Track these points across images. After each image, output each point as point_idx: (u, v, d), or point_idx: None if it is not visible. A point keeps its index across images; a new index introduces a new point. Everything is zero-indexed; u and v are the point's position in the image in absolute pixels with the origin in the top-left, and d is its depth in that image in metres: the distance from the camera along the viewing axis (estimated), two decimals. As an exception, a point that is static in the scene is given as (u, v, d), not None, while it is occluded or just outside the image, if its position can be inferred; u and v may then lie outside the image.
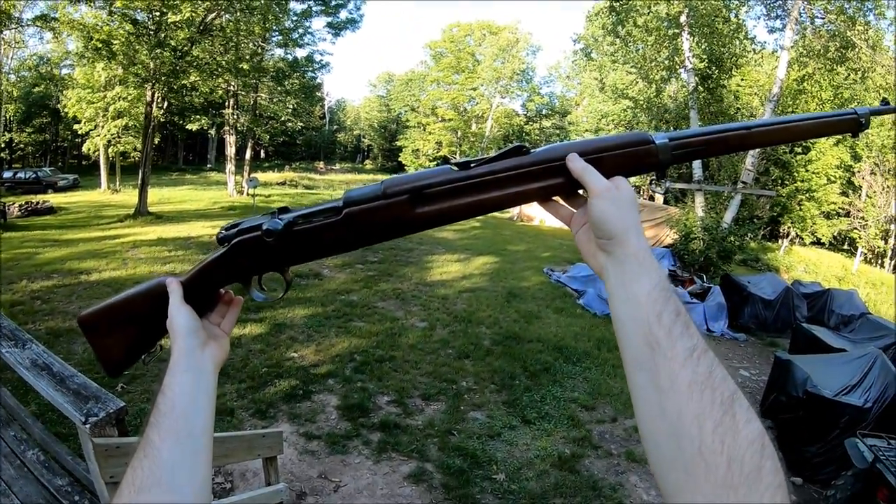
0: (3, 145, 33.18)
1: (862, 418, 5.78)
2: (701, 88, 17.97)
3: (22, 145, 41.95)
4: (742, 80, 24.91)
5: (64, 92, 31.89)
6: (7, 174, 32.48)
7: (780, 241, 29.94)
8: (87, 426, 2.06)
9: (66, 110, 29.76)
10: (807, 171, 28.76)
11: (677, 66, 19.24)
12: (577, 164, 0.74)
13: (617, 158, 0.77)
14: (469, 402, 6.58)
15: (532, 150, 0.78)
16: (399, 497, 4.85)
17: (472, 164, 0.78)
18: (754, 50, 19.57)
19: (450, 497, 4.87)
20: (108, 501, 2.23)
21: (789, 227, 30.70)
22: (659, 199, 26.63)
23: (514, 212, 28.24)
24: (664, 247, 15.69)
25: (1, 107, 30.56)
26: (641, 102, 24.16)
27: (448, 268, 13.87)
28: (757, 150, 15.57)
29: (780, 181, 28.07)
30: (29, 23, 21.01)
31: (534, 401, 6.67)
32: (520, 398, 6.72)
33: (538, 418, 6.29)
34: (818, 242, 31.72)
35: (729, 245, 15.29)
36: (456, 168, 0.79)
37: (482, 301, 11.03)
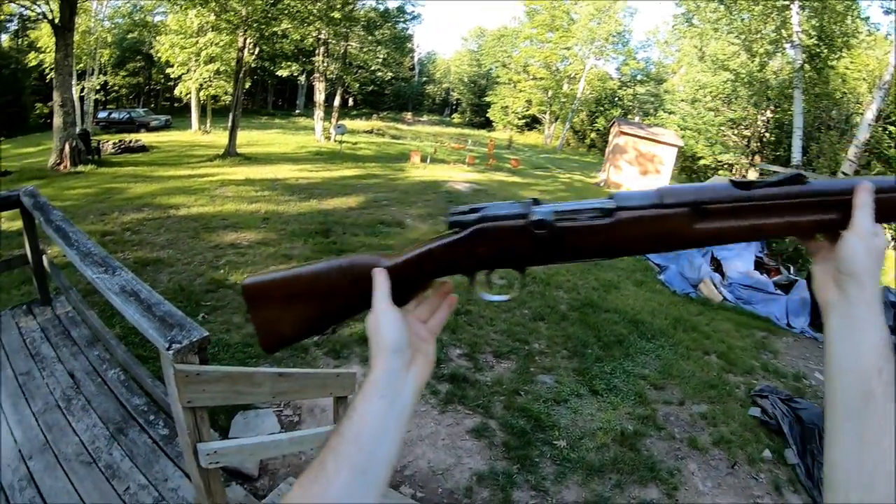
0: (98, 87, 34.62)
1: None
2: (808, 67, 16.88)
3: (116, 87, 43.58)
4: (851, 62, 23.42)
5: (157, 38, 32.83)
6: (102, 114, 34.08)
7: (877, 239, 28.37)
8: (171, 352, 2.12)
9: (158, 55, 30.82)
10: None
11: (784, 41, 18.23)
12: (864, 198, 0.70)
13: (892, 203, 0.72)
14: (539, 365, 6.54)
15: (810, 181, 0.73)
16: (459, 449, 4.89)
17: (754, 186, 0.73)
18: (868, 31, 18.32)
19: (509, 456, 4.88)
20: (182, 423, 2.32)
21: (885, 229, 29.04)
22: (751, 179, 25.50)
23: (601, 176, 27.70)
24: (754, 231, 15.00)
25: (97, 51, 31.75)
26: (743, 76, 23.12)
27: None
28: (861, 140, 14.66)
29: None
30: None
31: (604, 372, 6.58)
32: (590, 367, 6.63)
33: (606, 390, 6.21)
34: None
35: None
36: (735, 187, 0.73)
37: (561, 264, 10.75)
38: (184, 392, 2.20)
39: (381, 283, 0.74)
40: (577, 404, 5.85)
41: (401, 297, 0.75)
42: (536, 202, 0.74)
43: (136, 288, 2.60)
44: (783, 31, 17.82)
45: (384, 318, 0.71)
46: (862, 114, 15.53)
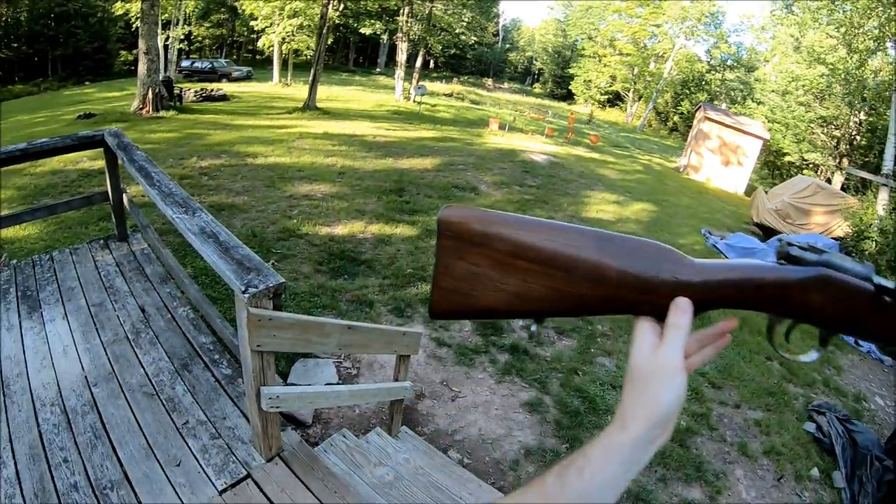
0: (182, 37, 35.39)
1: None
2: None
3: (200, 38, 44.32)
4: None
5: (242, -9, 33.24)
6: (185, 63, 34.95)
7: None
8: (246, 296, 2.16)
9: (242, 7, 31.21)
10: None
11: (887, 38, 17.15)
12: None
13: None
14: (600, 347, 6.44)
15: None
16: (511, 421, 4.89)
17: None
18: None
19: (559, 435, 4.86)
20: (249, 366, 2.37)
21: None
22: (836, 183, 24.41)
23: (681, 161, 26.96)
24: (833, 238, 14.32)
25: (182, 2, 32.39)
26: (839, 72, 21.90)
27: (604, 207, 13.38)
28: None
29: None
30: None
31: (663, 363, 6.46)
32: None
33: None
34: None
35: (902, 257, 13.61)
36: None
37: (635, 248, 10.55)
38: (254, 336, 2.24)
39: (683, 325, 0.61)
40: (635, 392, 5.76)
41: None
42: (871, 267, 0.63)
43: (215, 230, 2.66)
44: (887, 28, 16.79)
45: (673, 381, 0.60)
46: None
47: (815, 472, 5.38)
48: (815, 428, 6.04)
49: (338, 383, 4.67)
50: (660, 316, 0.63)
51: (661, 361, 0.60)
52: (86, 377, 3.13)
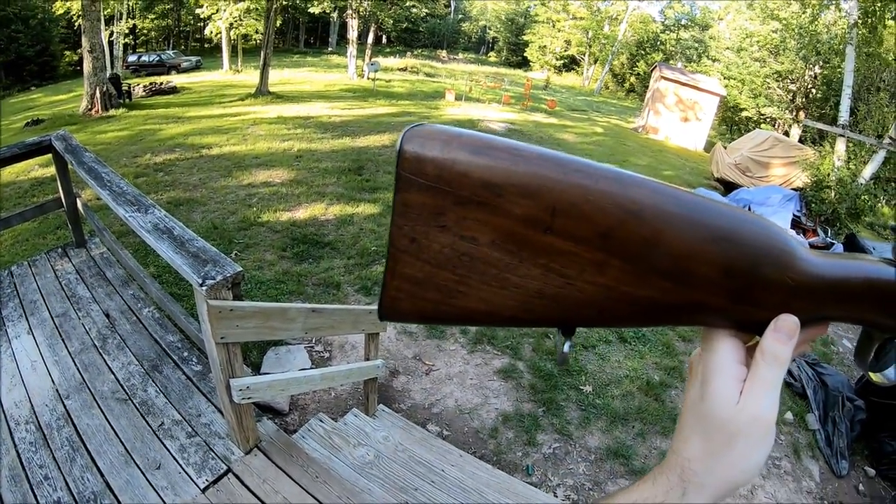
0: (127, 31, 34.56)
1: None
2: (861, 24, 16.07)
3: (145, 31, 43.29)
4: None
5: (186, -22, 32.55)
6: (132, 58, 34.20)
7: (917, 213, 27.43)
8: (204, 288, 2.15)
9: (188, -5, 30.50)
10: None
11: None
12: None
13: None
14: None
15: None
16: (486, 389, 4.96)
17: None
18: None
19: (535, 399, 4.94)
20: (215, 359, 2.36)
21: None
22: (794, 135, 24.79)
23: (639, 122, 27.16)
24: (793, 188, 14.61)
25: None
26: (793, 27, 22.24)
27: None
28: None
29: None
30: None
31: (633, 320, 6.57)
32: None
33: (634, 338, 6.20)
34: None
35: (862, 203, 13.95)
36: None
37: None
38: (217, 328, 2.23)
39: (786, 358, 0.45)
40: (605, 351, 5.86)
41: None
42: None
43: (168, 225, 2.63)
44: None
45: (766, 441, 0.45)
46: (916, 79, 14.87)
47: (788, 415, 5.55)
48: (786, 373, 6.20)
49: (311, 368, 4.68)
50: (747, 327, 0.46)
51: (754, 412, 0.44)
52: (57, 390, 3.09)
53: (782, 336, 0.44)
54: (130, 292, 4.09)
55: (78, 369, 3.27)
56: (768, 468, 4.90)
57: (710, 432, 0.45)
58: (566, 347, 0.44)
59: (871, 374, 0.55)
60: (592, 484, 4.25)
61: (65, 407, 2.97)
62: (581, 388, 5.22)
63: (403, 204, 0.39)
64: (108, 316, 3.80)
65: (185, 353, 3.46)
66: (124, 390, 3.10)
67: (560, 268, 0.40)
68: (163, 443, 2.75)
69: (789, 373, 6.16)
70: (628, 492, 0.48)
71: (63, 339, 3.55)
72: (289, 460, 2.73)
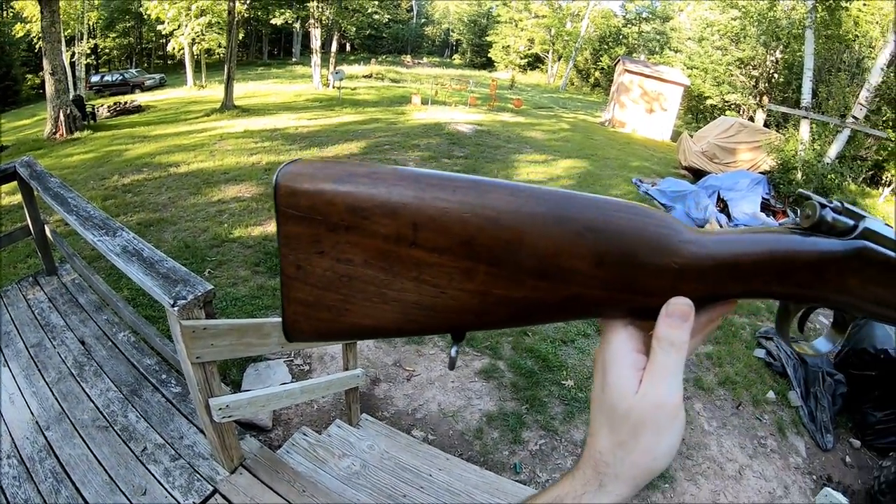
0: (88, 52, 34.10)
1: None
2: (820, 8, 16.36)
3: (107, 50, 42.86)
4: (865, 4, 22.71)
5: (145, -5, 32.24)
6: (95, 78, 33.73)
7: (881, 188, 27.83)
8: (176, 308, 2.14)
9: (148, 13, 30.16)
10: None
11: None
12: None
13: None
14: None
15: None
16: (469, 391, 4.98)
17: None
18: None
19: (518, 396, 4.97)
20: (193, 379, 2.35)
21: (893, 176, 28.46)
22: (759, 120, 25.15)
23: (605, 116, 27.36)
24: (761, 172, 14.84)
25: (84, 14, 31.19)
26: (752, 15, 22.63)
27: (534, 168, 13.57)
28: (873, 84, 14.32)
29: (891, 123, 25.80)
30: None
31: (609, 311, 6.63)
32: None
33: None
34: None
35: (829, 182, 14.23)
36: None
37: (568, 206, 10.67)
38: (192, 348, 2.22)
39: (682, 341, 0.45)
40: (585, 344, 5.91)
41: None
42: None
43: (137, 247, 2.61)
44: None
45: (673, 427, 0.45)
46: (874, 58, 15.15)
47: (770, 394, 5.65)
48: (765, 353, 6.33)
49: (292, 382, 4.66)
50: (640, 315, 0.47)
51: (655, 399, 0.44)
52: (37, 422, 3.05)
53: (674, 320, 0.44)
54: (105, 317, 4.05)
55: (56, 399, 3.23)
56: (755, 448, 4.98)
57: (615, 423, 0.45)
58: (453, 352, 0.46)
59: (795, 346, 0.57)
60: (581, 477, 4.28)
61: (46, 438, 2.93)
62: (563, 382, 5.26)
63: (285, 236, 0.41)
64: (83, 343, 3.76)
65: (164, 376, 3.43)
66: (104, 417, 3.07)
67: (430, 279, 0.41)
68: (147, 468, 2.73)
69: (768, 353, 6.26)
70: (553, 488, 0.48)
71: (39, 370, 3.50)
72: (275, 476, 2.73)
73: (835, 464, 5.14)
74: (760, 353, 6.38)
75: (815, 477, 4.88)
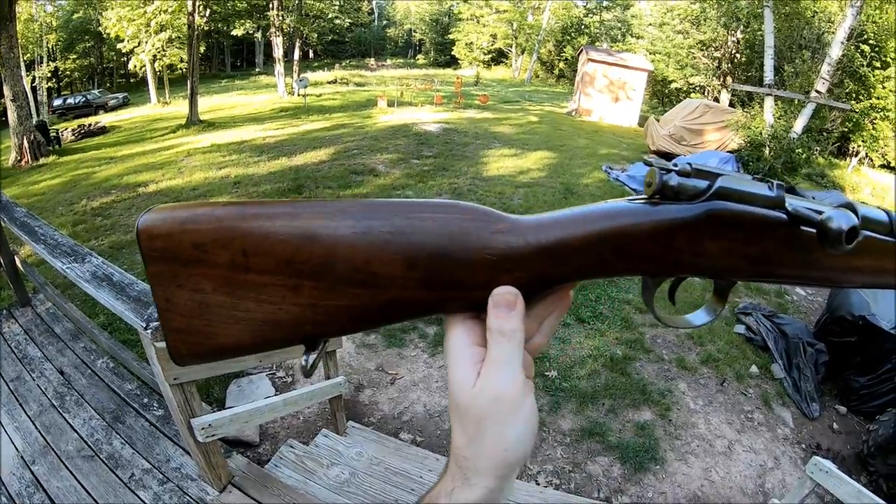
0: (49, 75, 33.64)
1: (917, 354, 5.59)
2: None
3: (68, 72, 42.32)
4: None
5: (103, 14, 31.79)
6: (57, 101, 33.27)
7: (848, 159, 28.21)
8: (149, 331, 2.13)
9: (107, 31, 29.86)
10: (884, 88, 26.55)
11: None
12: None
13: None
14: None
15: None
16: (454, 391, 4.99)
17: None
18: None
19: (504, 392, 4.99)
20: (173, 401, 2.34)
21: (859, 146, 28.74)
22: (724, 100, 25.45)
23: (571, 106, 27.45)
24: (729, 151, 15.06)
25: (42, 37, 30.77)
26: (711, -3, 22.92)
27: (504, 162, 13.54)
28: (834, 58, 14.56)
29: (854, 95, 26.18)
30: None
31: (588, 300, 6.67)
32: (574, 296, 6.62)
33: (592, 318, 6.31)
34: (888, 166, 29.65)
35: (797, 157, 14.47)
36: None
37: (539, 196, 10.76)
38: (168, 369, 2.22)
39: (512, 329, 0.45)
40: (565, 334, 5.95)
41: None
42: (790, 190, 0.51)
43: (107, 272, 2.59)
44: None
45: (516, 416, 0.45)
46: (833, 32, 15.42)
47: (753, 369, 5.74)
48: (745, 329, 6.42)
49: (275, 395, 4.64)
50: (474, 309, 0.47)
51: (492, 392, 0.44)
52: (22, 457, 3.02)
53: (500, 311, 0.44)
54: (82, 345, 4.02)
55: (40, 432, 3.20)
56: (742, 422, 5.06)
57: (462, 419, 0.45)
58: (302, 360, 0.47)
59: (666, 320, 0.56)
60: (572, 466, 4.33)
61: (32, 473, 2.91)
62: (546, 374, 5.30)
63: (150, 274, 0.44)
64: (62, 373, 3.73)
65: (146, 400, 3.41)
66: (89, 447, 3.05)
67: (267, 298, 0.44)
68: (136, 494, 2.71)
69: (748, 328, 6.35)
70: (433, 487, 0.49)
71: (20, 404, 3.47)
72: (264, 492, 2.73)
73: (823, 431, 5.22)
74: (740, 328, 6.46)
75: (804, 446, 4.96)
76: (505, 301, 0.44)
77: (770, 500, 2.79)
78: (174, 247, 0.43)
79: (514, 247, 0.45)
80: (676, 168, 0.47)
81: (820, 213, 0.46)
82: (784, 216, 0.48)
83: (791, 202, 0.48)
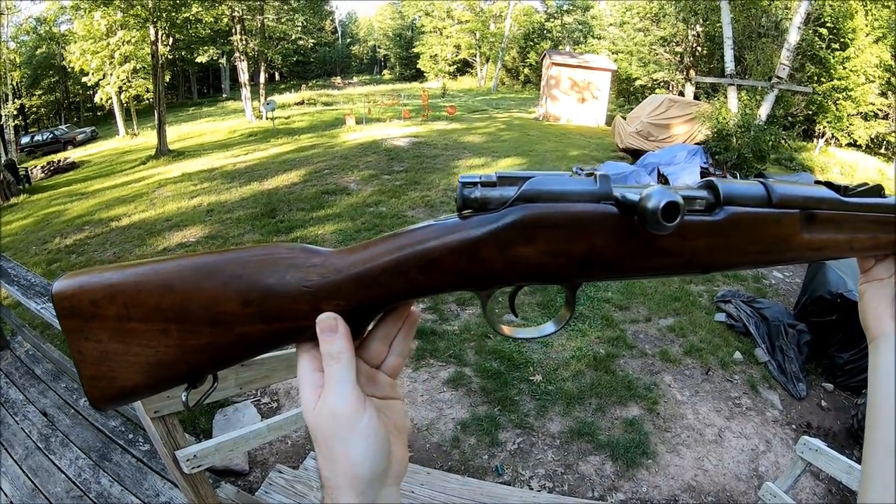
0: (15, 113, 33.23)
1: (897, 327, 5.60)
2: None
3: (34, 108, 42.02)
4: None
5: (67, 48, 31.66)
6: (25, 139, 33.01)
7: (814, 140, 28.64)
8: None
9: (71, 65, 29.56)
10: (844, 68, 26.89)
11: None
12: None
13: None
14: (503, 306, 6.59)
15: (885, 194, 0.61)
16: (439, 402, 5.00)
17: (847, 192, 0.60)
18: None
19: (489, 399, 5.01)
20: (156, 434, 2.34)
21: (825, 127, 29.13)
22: (689, 94, 25.81)
23: (539, 111, 27.66)
24: (697, 143, 15.25)
25: (6, 75, 30.42)
26: (668, -6, 23.26)
27: (474, 171, 13.45)
28: (792, 43, 14.85)
29: (815, 78, 26.63)
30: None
31: (567, 301, 6.70)
32: (553, 299, 6.73)
33: (573, 318, 6.34)
34: (854, 144, 30.11)
35: (764, 143, 14.70)
36: (835, 192, 0.59)
37: (512, 202, 10.74)
38: (148, 403, 2.21)
39: (337, 351, 0.48)
40: (547, 338, 5.97)
41: (354, 328, 0.51)
42: (604, 178, 0.51)
43: (82, 312, 2.58)
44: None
45: (355, 432, 0.47)
46: (791, 18, 15.74)
47: (737, 355, 5.81)
48: (726, 316, 6.50)
49: (261, 421, 4.63)
50: (311, 338, 0.51)
51: (327, 410, 0.48)
52: (11, 502, 2.99)
53: (325, 335, 0.48)
54: (63, 385, 3.99)
55: (28, 476, 3.19)
56: (731, 409, 5.12)
57: (315, 440, 0.49)
58: (182, 396, 0.53)
59: (507, 332, 0.57)
60: (564, 468, 4.35)
61: (22, 519, 2.89)
62: (531, 378, 5.33)
63: (63, 329, 0.50)
64: (45, 414, 3.70)
65: (131, 436, 3.40)
66: (78, 487, 3.04)
67: (147, 342, 0.49)
68: (126, 531, 2.71)
69: (729, 315, 6.44)
70: None
71: (6, 448, 3.44)
72: (255, 518, 2.73)
73: (811, 410, 5.29)
74: (721, 316, 6.54)
75: (794, 426, 5.02)
76: (327, 326, 0.48)
77: (764, 482, 2.84)
78: (77, 304, 0.49)
79: (328, 277, 0.49)
80: (481, 180, 0.50)
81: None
82: (614, 208, 0.48)
83: (619, 191, 0.49)
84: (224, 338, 0.50)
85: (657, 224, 0.45)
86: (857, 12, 22.88)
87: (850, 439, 4.93)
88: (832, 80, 26.61)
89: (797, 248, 0.56)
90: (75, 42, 28.79)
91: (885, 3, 19.98)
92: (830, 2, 18.56)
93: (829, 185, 0.59)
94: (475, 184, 0.50)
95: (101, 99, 31.16)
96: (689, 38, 28.10)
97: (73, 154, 25.95)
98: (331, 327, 0.48)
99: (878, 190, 0.61)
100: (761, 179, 0.57)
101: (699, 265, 0.53)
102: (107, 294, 0.49)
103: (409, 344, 0.55)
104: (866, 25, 24.44)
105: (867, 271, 0.65)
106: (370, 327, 0.54)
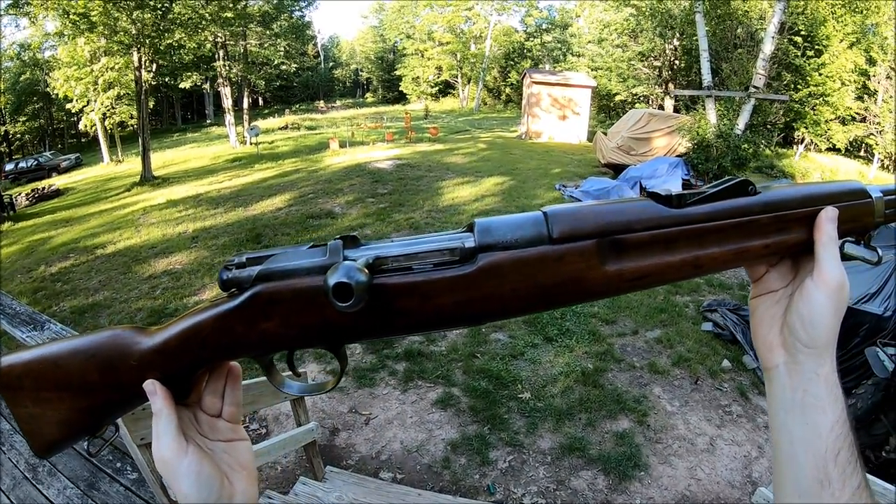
0: (-1, 140, 33.23)
1: (882, 327, 5.52)
2: None
3: (18, 135, 41.88)
4: None
5: (51, 74, 31.47)
6: (9, 166, 32.82)
7: (794, 147, 29.09)
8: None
9: (55, 92, 29.52)
10: (820, 74, 27.19)
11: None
12: (828, 231, 0.55)
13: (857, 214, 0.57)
14: (490, 325, 6.59)
15: (759, 190, 0.55)
16: (429, 423, 4.99)
17: (687, 201, 0.53)
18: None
19: (478, 419, 5.01)
20: (143, 462, 2.33)
21: (803, 133, 29.56)
22: (669, 107, 26.12)
23: (521, 129, 27.87)
24: (678, 155, 15.44)
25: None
26: (644, 10, 23.58)
27: (459, 192, 13.65)
28: (767, 53, 15.11)
29: (792, 86, 26.99)
30: (2, 12, 20.72)
31: (554, 318, 6.71)
32: (540, 316, 6.68)
33: (559, 335, 6.37)
34: (833, 149, 30.47)
35: (743, 152, 14.90)
36: (661, 203, 0.53)
37: (496, 221, 10.78)
38: (134, 430, 2.21)
39: (159, 409, 0.55)
40: (534, 354, 6.00)
41: (180, 392, 0.57)
42: (353, 240, 0.53)
43: (66, 336, 2.58)
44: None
45: (178, 473, 0.54)
46: (765, 28, 16.05)
47: (726, 363, 5.83)
48: (713, 325, 6.53)
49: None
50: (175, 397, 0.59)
51: (158, 458, 0.55)
52: (-2, 536, 2.97)
53: (151, 397, 0.55)
54: (49, 414, 3.95)
55: (14, 507, 3.15)
56: (721, 417, 5.14)
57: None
58: (85, 444, 0.62)
59: (283, 390, 0.63)
60: (556, 484, 4.34)
61: (9, 550, 2.86)
62: (520, 396, 5.33)
63: (4, 398, 0.59)
64: (30, 444, 3.65)
65: (119, 464, 3.37)
66: (65, 517, 3.00)
67: (51, 407, 0.58)
68: (115, 561, 2.68)
69: (715, 324, 6.47)
70: None
71: (-9, 480, 3.40)
72: (245, 544, 2.70)
73: (801, 413, 5.32)
74: (707, 326, 6.57)
75: (788, 428, 5.04)
76: (147, 391, 0.55)
77: (758, 488, 2.85)
78: (10, 380, 0.58)
79: (144, 353, 0.56)
80: (234, 262, 0.55)
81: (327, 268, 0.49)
82: (320, 282, 0.49)
83: (352, 268, 0.47)
84: (98, 401, 0.58)
85: (336, 304, 0.47)
86: (827, 19, 23.37)
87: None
88: (808, 86, 27.08)
89: (600, 284, 0.52)
90: (59, 68, 28.69)
91: (855, 9, 20.39)
92: (803, 9, 18.88)
93: (653, 196, 0.54)
94: (231, 267, 0.54)
95: (86, 125, 31.16)
96: (667, 52, 28.50)
97: (57, 181, 25.89)
98: (150, 391, 0.55)
99: (741, 187, 0.54)
100: (549, 208, 0.54)
101: (451, 321, 0.54)
102: (24, 371, 0.58)
103: (238, 395, 0.61)
104: (838, 31, 24.95)
105: (758, 281, 0.61)
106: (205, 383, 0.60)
